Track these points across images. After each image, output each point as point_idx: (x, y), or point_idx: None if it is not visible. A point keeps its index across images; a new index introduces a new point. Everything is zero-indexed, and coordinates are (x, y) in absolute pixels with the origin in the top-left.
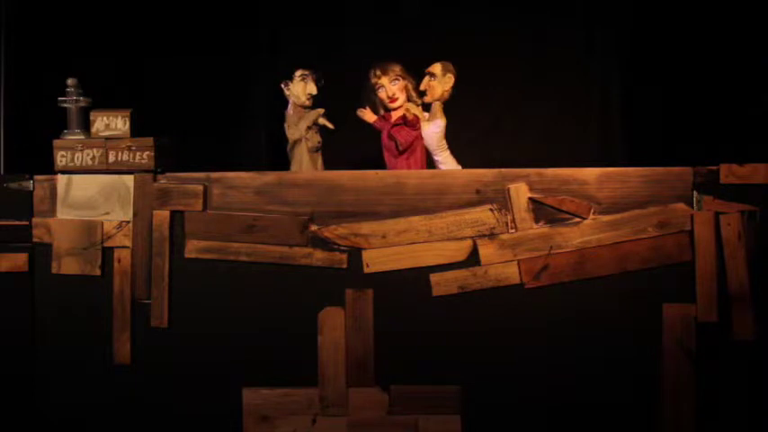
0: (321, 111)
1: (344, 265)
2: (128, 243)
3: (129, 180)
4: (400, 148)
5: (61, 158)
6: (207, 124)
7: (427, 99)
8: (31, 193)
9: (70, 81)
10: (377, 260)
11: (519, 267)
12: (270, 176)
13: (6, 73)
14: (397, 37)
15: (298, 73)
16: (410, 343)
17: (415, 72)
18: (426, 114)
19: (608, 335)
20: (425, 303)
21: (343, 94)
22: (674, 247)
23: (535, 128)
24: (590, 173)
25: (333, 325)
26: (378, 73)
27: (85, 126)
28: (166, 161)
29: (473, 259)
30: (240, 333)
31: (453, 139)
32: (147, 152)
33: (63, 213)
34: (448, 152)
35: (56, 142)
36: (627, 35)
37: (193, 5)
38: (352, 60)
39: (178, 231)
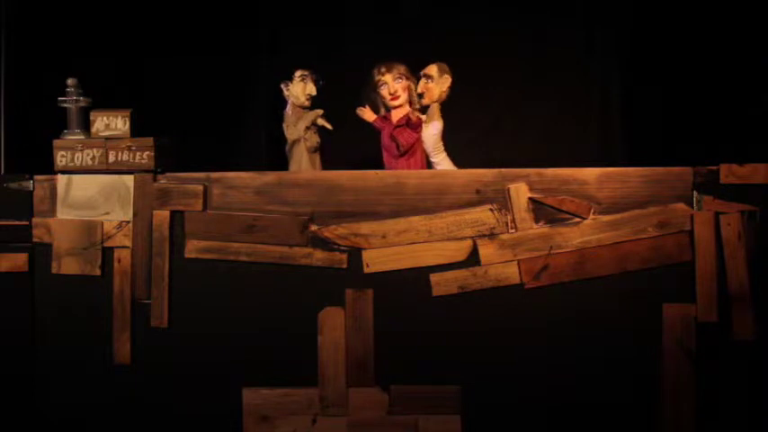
0: (320, 111)
1: (344, 265)
2: (128, 243)
3: (129, 180)
4: (401, 150)
5: (61, 158)
6: (207, 124)
7: (425, 101)
8: (31, 193)
9: (70, 81)
10: (377, 260)
11: (519, 267)
12: (270, 176)
13: (6, 73)
14: (397, 37)
15: (297, 73)
16: (410, 343)
17: (417, 74)
18: (424, 117)
19: (608, 335)
20: (425, 303)
21: (343, 94)
22: (674, 247)
23: (535, 128)
24: (590, 173)
25: (333, 325)
26: (383, 70)
27: (85, 126)
28: (166, 161)
29: (473, 259)
30: (240, 333)
31: (453, 139)
32: (147, 152)
33: (63, 213)
34: (444, 154)
35: (56, 142)
36: (627, 35)
37: (193, 5)
38: (352, 60)
39: (178, 231)
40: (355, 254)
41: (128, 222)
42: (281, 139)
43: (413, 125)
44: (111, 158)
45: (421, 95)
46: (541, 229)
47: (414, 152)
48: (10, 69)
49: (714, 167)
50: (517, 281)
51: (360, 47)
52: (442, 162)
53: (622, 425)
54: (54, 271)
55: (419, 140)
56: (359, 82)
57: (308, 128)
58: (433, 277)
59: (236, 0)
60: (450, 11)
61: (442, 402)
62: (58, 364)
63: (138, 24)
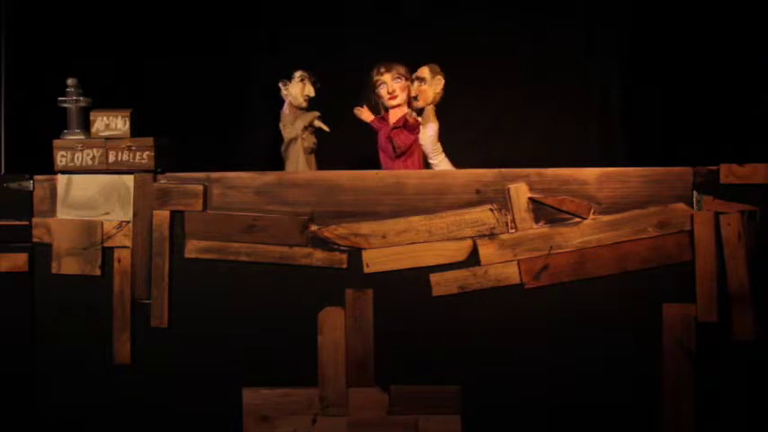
0: (317, 114)
1: (344, 265)
2: (128, 243)
3: (129, 180)
4: (397, 152)
5: (61, 158)
6: (207, 124)
7: (420, 104)
8: (31, 193)
9: (70, 81)
10: (377, 260)
11: (519, 267)
12: (270, 176)
13: (6, 73)
14: (397, 37)
15: (297, 74)
16: (410, 343)
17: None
18: (419, 119)
19: (608, 335)
20: (425, 303)
21: (343, 94)
22: (674, 247)
23: (535, 128)
24: (590, 173)
25: (333, 325)
26: (382, 69)
27: (85, 126)
28: (166, 161)
29: (473, 259)
30: (240, 333)
31: (453, 139)
32: (147, 152)
33: (63, 213)
34: (443, 155)
35: (56, 142)
36: (627, 35)
37: (193, 5)
38: (352, 60)
39: (178, 231)
40: (355, 254)
41: (128, 222)
42: (281, 139)
43: (410, 127)
44: (111, 158)
45: (415, 98)
46: (541, 229)
47: (411, 153)
48: (10, 69)
49: (714, 167)
50: (517, 281)
51: (360, 47)
52: (441, 164)
53: (622, 425)
54: (54, 271)
55: (416, 142)
56: (358, 82)
57: (305, 128)
58: (433, 277)
59: (236, 0)
60: (449, 11)
61: (442, 402)
62: (58, 364)
63: (137, 24)
